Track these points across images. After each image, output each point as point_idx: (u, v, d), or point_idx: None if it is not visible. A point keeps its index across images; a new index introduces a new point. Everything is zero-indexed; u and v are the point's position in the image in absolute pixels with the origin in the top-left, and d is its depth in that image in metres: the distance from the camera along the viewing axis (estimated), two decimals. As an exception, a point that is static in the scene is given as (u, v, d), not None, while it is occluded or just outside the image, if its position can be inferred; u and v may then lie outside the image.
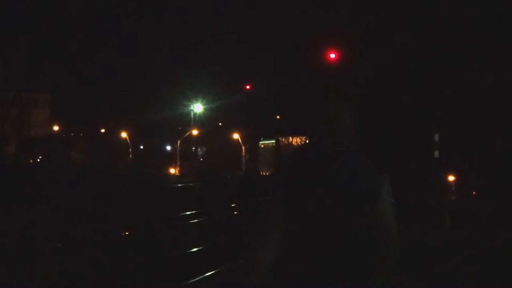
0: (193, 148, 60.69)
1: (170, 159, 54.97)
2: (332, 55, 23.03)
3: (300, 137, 49.24)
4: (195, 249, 11.28)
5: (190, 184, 35.52)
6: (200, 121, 54.73)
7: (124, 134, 54.99)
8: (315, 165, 2.70)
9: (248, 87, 43.41)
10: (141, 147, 60.83)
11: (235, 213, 20.11)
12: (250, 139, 53.35)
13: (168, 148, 60.75)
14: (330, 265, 2.60)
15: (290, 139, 50.67)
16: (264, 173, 45.25)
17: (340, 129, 2.78)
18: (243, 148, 51.58)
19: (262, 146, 54.71)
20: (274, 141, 52.50)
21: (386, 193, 2.64)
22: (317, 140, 2.85)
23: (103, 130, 60.41)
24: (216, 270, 9.05)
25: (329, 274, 2.60)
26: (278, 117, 55.28)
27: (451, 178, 25.63)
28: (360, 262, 2.60)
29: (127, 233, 13.92)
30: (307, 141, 2.87)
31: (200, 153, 61.79)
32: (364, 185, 2.62)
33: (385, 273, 2.66)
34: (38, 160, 51.13)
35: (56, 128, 58.61)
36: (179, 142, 53.25)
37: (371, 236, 2.61)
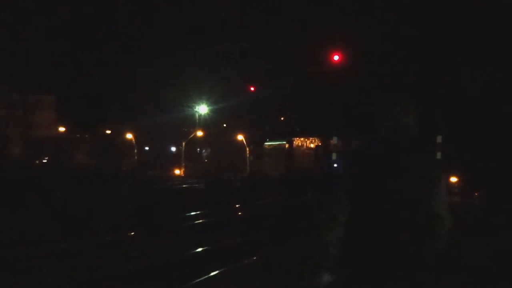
0: (198, 149, 60.76)
1: (175, 160, 55.01)
2: (336, 57, 23.12)
3: (313, 138, 49.40)
4: (199, 249, 11.33)
5: (194, 185, 35.53)
6: (204, 123, 54.78)
7: (129, 136, 55.04)
8: (382, 162, 2.96)
9: (252, 89, 43.55)
10: (146, 148, 60.91)
11: (239, 213, 20.16)
12: (254, 140, 53.34)
13: (173, 149, 60.79)
14: (394, 250, 2.89)
15: (303, 140, 50.81)
16: (270, 174, 45.17)
17: (403, 129, 3.01)
18: (247, 149, 51.59)
19: (269, 147, 54.77)
20: (280, 142, 52.59)
21: (443, 187, 3.00)
22: (381, 140, 3.04)
23: (108, 132, 60.46)
24: (220, 270, 9.08)
25: (393, 257, 2.89)
26: (282, 118, 55.40)
27: (453, 179, 25.60)
28: (417, 248, 2.91)
29: (132, 233, 13.97)
30: (370, 141, 3.07)
31: (204, 154, 61.86)
32: (426, 181, 2.93)
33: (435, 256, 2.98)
34: (44, 160, 51.31)
35: (62, 129, 58.68)
36: (184, 143, 53.27)
37: (428, 224, 2.94)
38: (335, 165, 35.91)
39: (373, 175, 2.95)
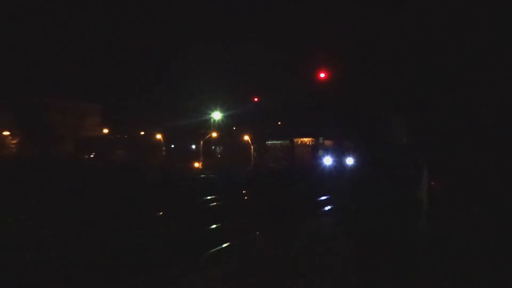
0: (213, 147, 60.91)
1: (195, 155, 55.12)
2: (322, 75, 22.94)
3: (310, 138, 49.57)
4: (214, 226, 11.39)
5: (210, 176, 35.57)
6: (218, 126, 55.01)
7: (159, 136, 55.32)
8: (380, 160, 3.06)
9: (256, 99, 43.60)
10: (172, 146, 61.04)
11: (246, 198, 20.18)
12: (258, 140, 53.52)
13: (193, 147, 60.88)
14: (390, 227, 2.98)
15: (302, 139, 51.05)
16: (272, 167, 45.09)
17: (394, 134, 3.12)
18: (252, 147, 51.72)
19: (271, 145, 54.96)
20: (280, 142, 52.82)
21: (425, 177, 3.10)
22: (378, 143, 3.13)
23: (142, 133, 60.70)
24: (230, 243, 9.11)
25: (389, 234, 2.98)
26: (279, 123, 55.54)
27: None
28: (407, 222, 3.01)
29: (160, 213, 14.05)
30: (369, 144, 3.17)
31: (218, 151, 62.00)
32: (413, 173, 3.03)
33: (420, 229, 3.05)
34: (92, 156, 51.48)
35: (105, 131, 59.02)
36: (202, 142, 53.50)
37: (415, 204, 3.03)
38: (323, 159, 35.93)
39: (371, 169, 3.03)
